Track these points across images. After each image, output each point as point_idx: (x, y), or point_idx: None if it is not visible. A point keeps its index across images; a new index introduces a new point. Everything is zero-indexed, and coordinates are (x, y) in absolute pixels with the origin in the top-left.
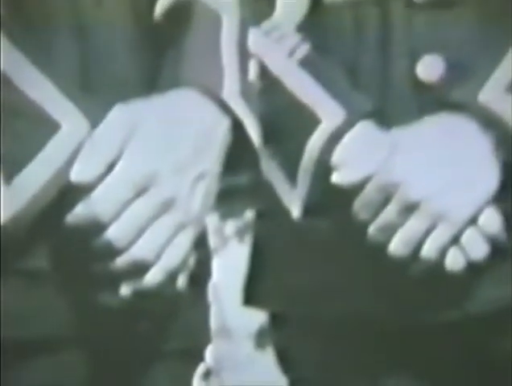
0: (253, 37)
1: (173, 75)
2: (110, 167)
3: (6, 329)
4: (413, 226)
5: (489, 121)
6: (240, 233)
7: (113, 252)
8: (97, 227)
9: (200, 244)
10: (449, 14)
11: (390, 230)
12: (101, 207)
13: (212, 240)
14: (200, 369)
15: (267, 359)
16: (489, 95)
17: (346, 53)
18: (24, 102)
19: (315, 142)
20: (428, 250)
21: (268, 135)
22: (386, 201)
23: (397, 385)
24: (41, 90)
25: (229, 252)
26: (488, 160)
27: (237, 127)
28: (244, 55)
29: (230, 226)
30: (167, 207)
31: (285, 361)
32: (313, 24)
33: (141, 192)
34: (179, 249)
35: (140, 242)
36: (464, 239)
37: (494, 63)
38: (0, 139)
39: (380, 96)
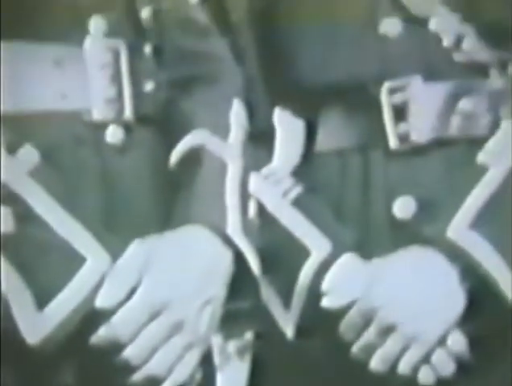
0: (254, 180)
1: (184, 213)
2: (129, 294)
3: None
4: (390, 346)
5: (455, 254)
6: (240, 352)
7: (130, 368)
8: (117, 347)
9: (206, 361)
10: (420, 160)
11: (371, 349)
12: (120, 329)
13: (217, 358)
14: None
15: None
16: (455, 231)
17: (333, 194)
18: (55, 239)
19: (306, 272)
20: (403, 367)
21: (266, 265)
22: (367, 323)
23: None
24: (69, 229)
25: (231, 368)
26: (454, 288)
27: (239, 258)
28: (245, 195)
29: (232, 345)
30: (177, 328)
31: None
32: (305, 170)
33: (155, 316)
34: (188, 366)
35: (153, 360)
36: (434, 357)
37: (459, 203)
38: None
39: (362, 231)
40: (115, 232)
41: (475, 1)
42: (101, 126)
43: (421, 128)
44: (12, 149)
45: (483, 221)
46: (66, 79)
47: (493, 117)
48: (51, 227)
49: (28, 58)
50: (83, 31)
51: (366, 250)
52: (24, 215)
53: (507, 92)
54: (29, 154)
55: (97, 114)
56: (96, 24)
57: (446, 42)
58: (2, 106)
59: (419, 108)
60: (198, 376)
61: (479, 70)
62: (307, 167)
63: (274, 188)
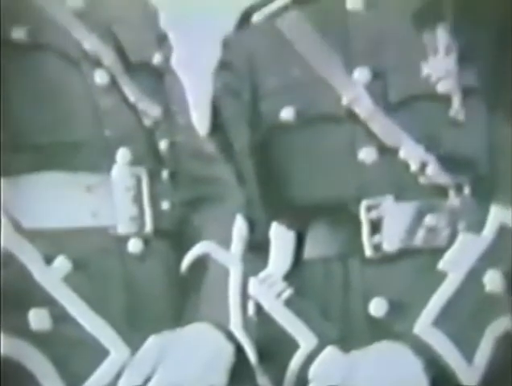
0: (252, 284)
1: (193, 312)
2: (146, 382)
3: None
4: None
5: (420, 348)
6: None
7: None
8: None
9: None
10: (391, 267)
11: None
12: None
13: None
14: None
15: None
16: (420, 328)
17: (318, 295)
18: (84, 335)
19: (296, 362)
20: None
21: (262, 356)
22: None
23: None
24: (96, 326)
25: None
26: (419, 377)
27: (240, 351)
28: (245, 296)
29: None
30: None
31: None
32: (295, 274)
33: None
34: None
35: None
36: None
37: (424, 304)
38: None
39: (343, 328)
40: (135, 328)
41: (435, 135)
42: (124, 239)
43: (392, 239)
44: (48, 260)
45: (444, 319)
46: (96, 201)
47: (451, 230)
48: (81, 326)
49: (65, 185)
50: (111, 161)
51: (346, 343)
52: (58, 315)
53: (463, 209)
54: (63, 264)
55: (122, 229)
56: (122, 155)
57: (413, 167)
58: (41, 224)
59: (391, 222)
60: None
61: (440, 191)
62: (297, 272)
63: (270, 290)
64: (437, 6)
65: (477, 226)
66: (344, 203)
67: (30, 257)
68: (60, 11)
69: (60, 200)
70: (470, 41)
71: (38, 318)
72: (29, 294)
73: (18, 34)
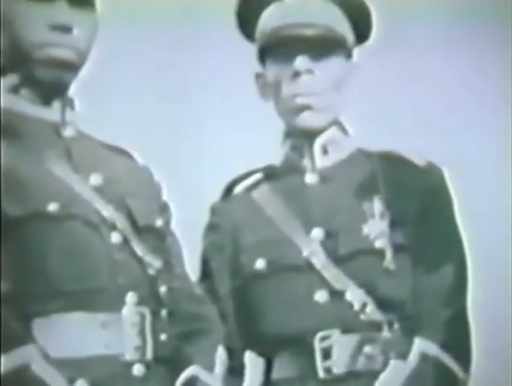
0: None
1: None
2: None
3: None
4: None
5: None
6: None
7: None
8: None
9: None
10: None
11: None
12: None
13: None
14: None
15: None
16: None
17: None
18: None
19: None
20: None
21: None
22: None
23: None
24: None
25: None
26: None
27: None
28: None
29: None
30: None
31: None
32: None
33: None
34: None
35: None
36: None
37: None
38: None
39: None
40: None
41: (373, 281)
42: (130, 364)
43: (340, 364)
44: (71, 382)
45: None
46: (109, 335)
47: (384, 357)
48: None
49: (85, 322)
50: (122, 302)
51: None
52: None
53: (394, 341)
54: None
55: (128, 356)
56: (130, 298)
57: (356, 307)
58: (65, 353)
59: (339, 350)
60: None
61: (376, 326)
62: None
63: None
64: (373, 182)
65: (404, 354)
66: (303, 335)
67: (55, 380)
68: (85, 188)
69: (81, 335)
70: (399, 209)
71: None
72: None
73: (53, 207)
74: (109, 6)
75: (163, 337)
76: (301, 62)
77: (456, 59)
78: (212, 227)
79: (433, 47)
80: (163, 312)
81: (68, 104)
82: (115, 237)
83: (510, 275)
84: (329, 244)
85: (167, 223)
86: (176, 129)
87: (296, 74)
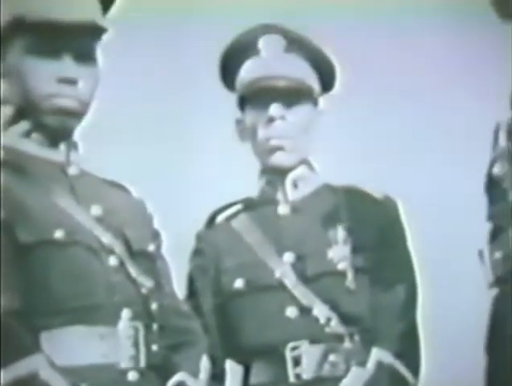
0: None
1: None
2: None
3: None
4: None
5: None
6: None
7: None
8: None
9: None
10: None
11: None
12: None
13: None
14: None
15: None
16: None
17: None
18: None
19: None
20: None
21: None
22: None
23: None
24: None
25: None
26: None
27: None
28: None
29: None
30: None
31: None
32: None
33: None
34: None
35: None
36: None
37: None
38: None
39: None
40: None
41: (336, 299)
42: (125, 372)
43: (308, 370)
44: None
45: None
46: (106, 346)
47: (346, 365)
48: None
49: (85, 335)
50: (118, 318)
51: None
52: None
53: (354, 351)
54: None
55: (124, 365)
56: (125, 313)
57: (322, 321)
58: (69, 362)
59: (307, 359)
60: None
61: (339, 338)
62: None
63: None
64: (337, 213)
65: (363, 362)
66: (276, 345)
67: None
68: (87, 218)
69: (82, 346)
70: (359, 236)
71: None
72: None
73: (59, 234)
74: (110, 62)
75: (154, 347)
76: (275, 109)
77: (408, 107)
78: (197, 252)
79: (385, 98)
80: (155, 326)
81: (73, 146)
82: (112, 261)
83: (455, 293)
84: (299, 266)
85: (158, 248)
86: (167, 167)
87: (271, 120)
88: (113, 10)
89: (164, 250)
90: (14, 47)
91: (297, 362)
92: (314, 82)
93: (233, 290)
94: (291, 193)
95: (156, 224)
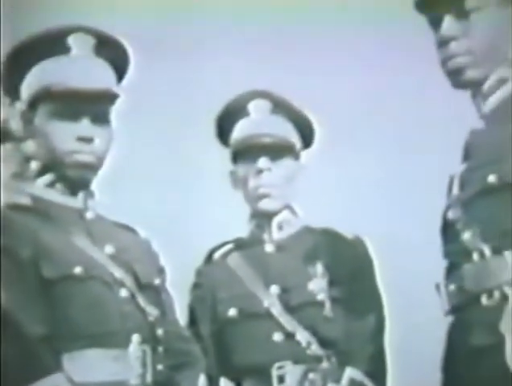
0: None
1: None
2: None
3: None
4: None
5: None
6: None
7: None
8: None
9: None
10: None
11: None
12: None
13: None
14: None
15: None
16: None
17: None
18: None
19: None
20: None
21: None
22: None
23: None
24: None
25: None
26: None
27: None
28: None
29: None
30: None
31: None
32: None
33: None
34: None
35: None
36: None
37: None
38: None
39: None
40: None
41: (315, 326)
42: None
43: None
44: None
45: None
46: (119, 366)
47: (323, 382)
48: None
49: (101, 356)
50: (128, 341)
51: None
52: None
53: (331, 370)
54: None
55: (133, 381)
56: (135, 338)
57: (303, 345)
58: (85, 379)
59: (290, 377)
60: None
61: (318, 359)
62: None
63: None
64: (316, 251)
65: (338, 380)
66: (264, 365)
67: None
68: (101, 256)
69: (98, 365)
70: (334, 271)
71: None
72: None
73: (78, 270)
74: (122, 122)
75: (159, 367)
76: (263, 162)
77: (390, 157)
78: (196, 285)
79: (353, 154)
80: (160, 349)
81: (90, 195)
82: (124, 293)
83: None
84: (284, 297)
85: (163, 282)
86: (170, 212)
87: (259, 171)
88: (126, 79)
89: (168, 283)
90: (40, 112)
91: (282, 380)
92: (296, 139)
93: (228, 318)
94: (276, 234)
95: (161, 261)
